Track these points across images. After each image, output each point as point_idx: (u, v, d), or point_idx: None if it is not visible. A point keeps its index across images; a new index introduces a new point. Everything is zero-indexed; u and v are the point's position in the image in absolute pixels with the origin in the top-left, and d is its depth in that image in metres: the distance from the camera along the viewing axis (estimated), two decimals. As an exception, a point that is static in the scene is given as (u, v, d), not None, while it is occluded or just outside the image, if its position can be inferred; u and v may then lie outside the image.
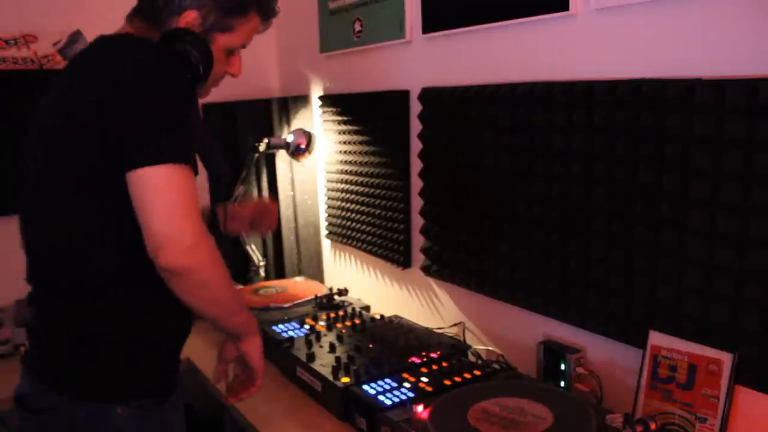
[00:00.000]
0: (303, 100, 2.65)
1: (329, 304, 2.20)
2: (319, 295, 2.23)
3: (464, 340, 1.90)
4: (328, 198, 2.59)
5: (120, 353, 1.27)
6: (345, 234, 2.48)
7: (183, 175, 1.13)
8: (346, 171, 2.43)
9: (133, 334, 1.27)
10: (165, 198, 1.11)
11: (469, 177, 1.84)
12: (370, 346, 1.80)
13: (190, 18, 1.29)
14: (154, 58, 1.19)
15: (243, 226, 1.72)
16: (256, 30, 1.40)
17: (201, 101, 1.45)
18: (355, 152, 2.35)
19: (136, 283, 1.24)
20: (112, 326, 1.26)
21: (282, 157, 2.59)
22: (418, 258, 2.10)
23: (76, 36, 2.48)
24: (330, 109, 2.48)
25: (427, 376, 1.60)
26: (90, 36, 2.48)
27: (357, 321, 2.01)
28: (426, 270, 2.05)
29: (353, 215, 2.41)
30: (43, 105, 1.28)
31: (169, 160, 1.11)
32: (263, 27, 1.43)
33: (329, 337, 1.88)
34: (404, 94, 2.09)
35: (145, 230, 1.11)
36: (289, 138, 2.51)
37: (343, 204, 2.47)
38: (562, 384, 1.59)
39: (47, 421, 1.28)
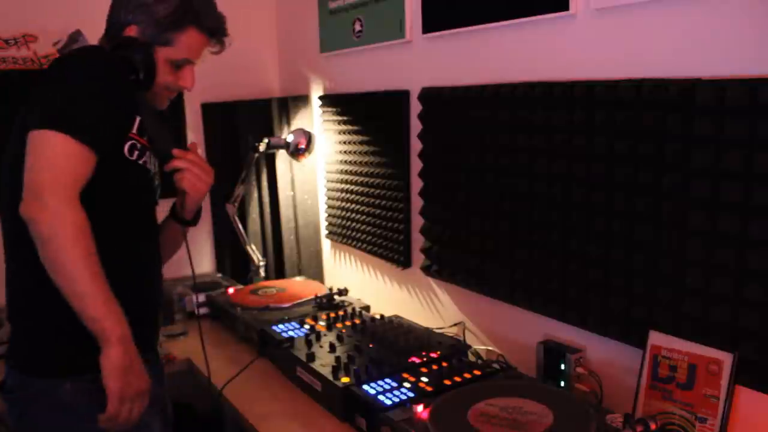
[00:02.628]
0: (303, 100, 2.65)
1: (329, 304, 2.20)
2: (319, 295, 2.23)
3: (464, 340, 1.90)
4: (328, 198, 2.58)
5: (62, 326, 1.31)
6: (345, 234, 2.48)
7: (65, 144, 1.23)
8: (346, 171, 2.43)
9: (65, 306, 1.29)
10: (37, 155, 1.23)
11: (469, 177, 1.84)
12: (370, 346, 1.80)
13: (131, 32, 1.45)
14: (88, 53, 1.39)
15: None
16: (201, 46, 1.51)
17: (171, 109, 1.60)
18: (355, 152, 2.35)
19: None
20: (50, 299, 1.26)
21: (282, 157, 2.59)
22: (418, 258, 2.10)
23: (76, 36, 2.47)
24: (330, 109, 2.48)
25: (427, 376, 1.60)
26: (90, 36, 2.49)
27: (357, 321, 2.01)
28: (426, 270, 2.05)
29: (353, 215, 2.41)
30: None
31: (53, 127, 1.23)
32: (216, 46, 1.54)
33: (329, 337, 1.88)
34: (404, 94, 2.09)
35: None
36: (289, 138, 2.51)
37: (343, 204, 2.47)
38: (562, 384, 1.59)
39: (12, 399, 1.39)
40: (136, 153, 1.39)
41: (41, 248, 1.23)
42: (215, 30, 1.52)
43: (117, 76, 1.36)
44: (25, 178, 1.22)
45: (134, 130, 1.38)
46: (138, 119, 1.38)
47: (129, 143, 1.37)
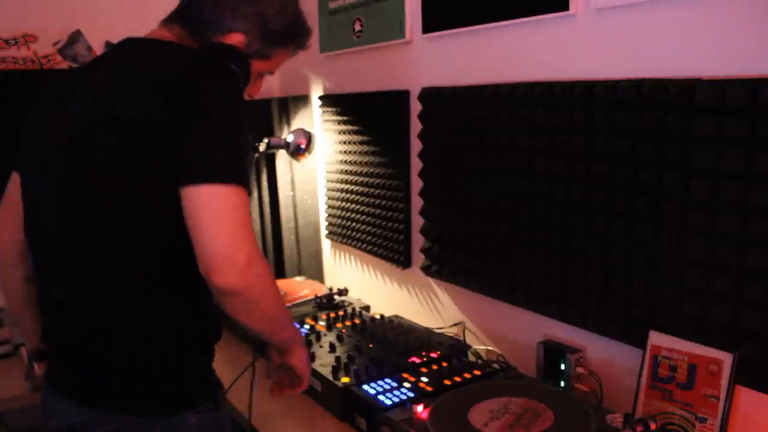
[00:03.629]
0: (303, 100, 2.65)
1: (329, 304, 2.20)
2: (319, 295, 2.23)
3: (464, 340, 1.90)
4: (328, 198, 2.58)
5: (177, 360, 1.24)
6: (345, 234, 2.48)
7: (241, 197, 1.11)
8: (346, 171, 2.43)
9: (184, 339, 1.25)
10: (223, 218, 1.09)
11: (469, 177, 1.84)
12: (370, 346, 1.80)
13: (235, 40, 1.30)
14: (220, 75, 1.17)
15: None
16: (286, 59, 1.44)
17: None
18: (355, 152, 2.35)
19: (179, 285, 1.21)
20: (165, 333, 1.22)
21: (282, 157, 2.59)
22: (418, 258, 2.10)
23: (76, 36, 2.48)
24: (330, 109, 2.48)
25: (427, 376, 1.60)
26: (90, 36, 2.50)
27: (357, 321, 2.01)
28: (426, 270, 2.05)
29: (353, 215, 2.41)
30: (70, 106, 1.23)
31: (230, 181, 1.10)
32: (291, 55, 1.46)
33: (329, 337, 1.88)
34: (404, 94, 2.10)
35: (199, 248, 1.09)
36: (289, 138, 2.51)
37: (343, 204, 2.47)
38: (562, 384, 1.59)
39: None
40: None
41: (248, 312, 1.17)
42: (304, 47, 1.45)
43: (243, 102, 1.24)
44: (215, 247, 1.08)
45: None
46: None
47: None
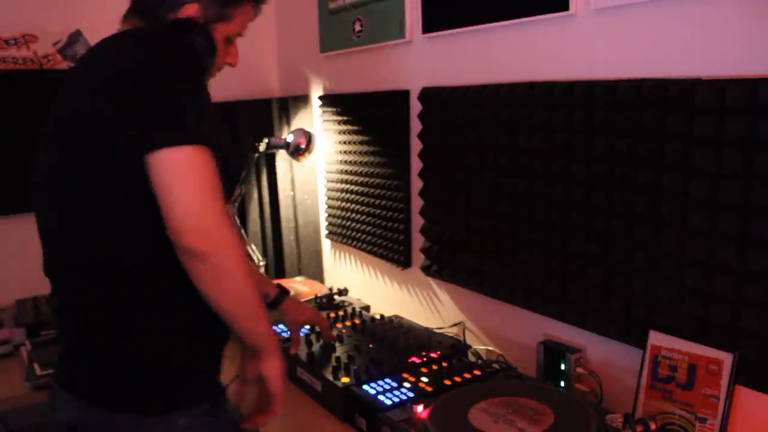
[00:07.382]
0: (303, 100, 2.65)
1: (329, 304, 2.20)
2: (319, 295, 2.23)
3: (464, 340, 1.90)
4: (328, 198, 2.59)
5: (171, 359, 1.22)
6: (345, 234, 2.48)
7: (203, 157, 1.09)
8: (346, 171, 2.43)
9: (180, 337, 1.22)
10: (186, 179, 1.07)
11: (469, 177, 1.84)
12: (370, 346, 1.80)
13: (190, 11, 1.28)
14: (164, 41, 1.18)
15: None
16: (250, 18, 1.39)
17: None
18: (355, 152, 2.35)
19: (176, 276, 1.16)
20: (158, 330, 1.20)
21: (282, 157, 2.59)
22: (418, 258, 2.10)
23: (76, 36, 2.48)
24: (330, 109, 2.48)
25: (427, 376, 1.60)
26: (90, 36, 2.50)
27: (357, 321, 2.01)
28: (426, 270, 2.05)
29: (353, 215, 2.41)
30: (54, 104, 1.25)
31: (188, 141, 1.08)
32: (255, 13, 1.41)
33: (329, 337, 1.88)
34: (404, 94, 2.10)
35: (167, 213, 1.08)
36: (289, 138, 2.51)
37: (343, 204, 2.47)
38: (562, 384, 1.59)
39: None
40: None
41: (216, 282, 1.11)
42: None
43: (198, 65, 1.21)
44: (181, 208, 1.07)
45: None
46: None
47: None
